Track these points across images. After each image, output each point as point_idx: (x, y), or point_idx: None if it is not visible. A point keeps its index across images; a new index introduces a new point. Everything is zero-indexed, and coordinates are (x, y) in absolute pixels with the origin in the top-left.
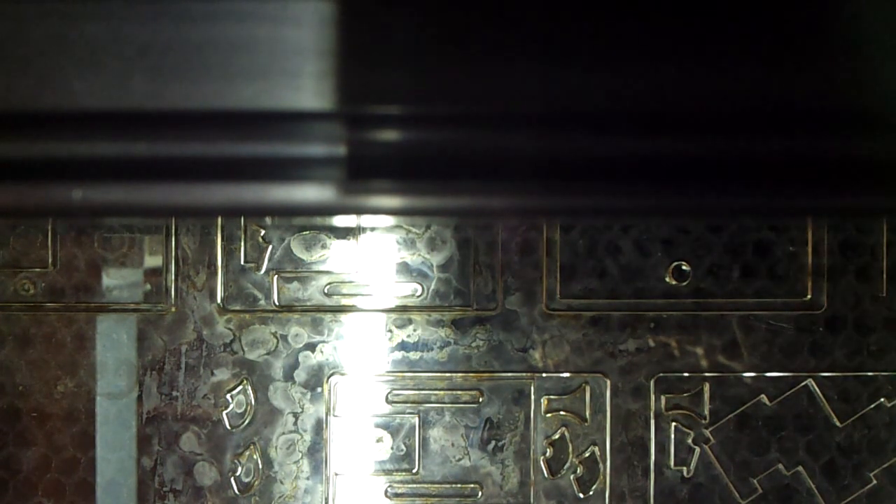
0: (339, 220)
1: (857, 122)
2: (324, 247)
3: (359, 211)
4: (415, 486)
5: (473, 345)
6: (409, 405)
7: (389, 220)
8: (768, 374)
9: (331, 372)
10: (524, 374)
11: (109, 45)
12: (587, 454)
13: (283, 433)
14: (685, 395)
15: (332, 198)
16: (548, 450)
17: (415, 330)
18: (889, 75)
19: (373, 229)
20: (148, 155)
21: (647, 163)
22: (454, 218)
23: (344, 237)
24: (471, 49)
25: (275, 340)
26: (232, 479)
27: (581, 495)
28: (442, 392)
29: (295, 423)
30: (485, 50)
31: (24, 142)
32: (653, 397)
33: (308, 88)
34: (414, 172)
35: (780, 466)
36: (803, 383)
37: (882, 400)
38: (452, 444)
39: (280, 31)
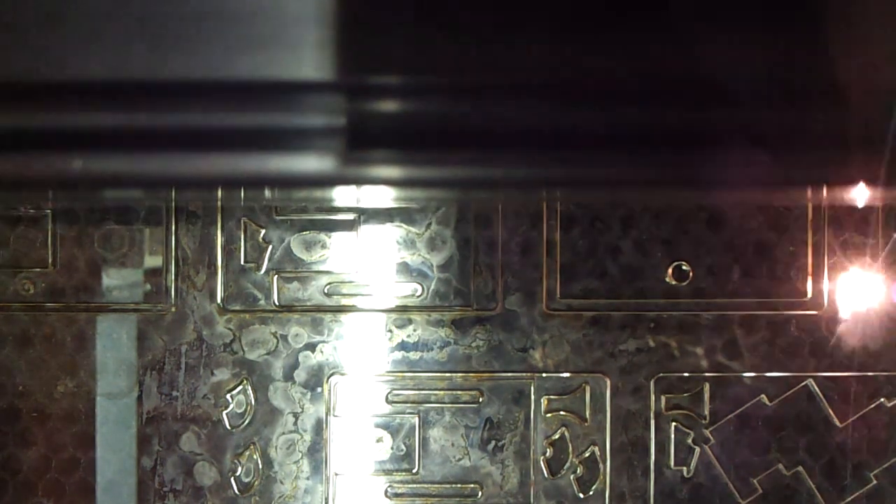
0: (340, 195)
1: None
2: (324, 247)
3: (359, 181)
4: (415, 486)
5: (473, 345)
6: (409, 405)
7: (390, 197)
8: (768, 374)
9: (331, 372)
10: (524, 374)
11: (109, 15)
12: (587, 454)
13: (283, 433)
14: (685, 395)
15: (332, 168)
16: (548, 450)
17: (415, 330)
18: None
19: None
20: (148, 125)
21: (649, 133)
22: (454, 189)
23: (345, 229)
24: (471, 20)
25: (275, 340)
26: (232, 479)
27: (581, 495)
28: (442, 392)
29: (295, 423)
30: (485, 21)
31: (24, 112)
32: (653, 397)
33: (308, 59)
34: (414, 143)
35: (780, 466)
36: (803, 383)
37: (882, 400)
38: (452, 444)
39: (280, 2)
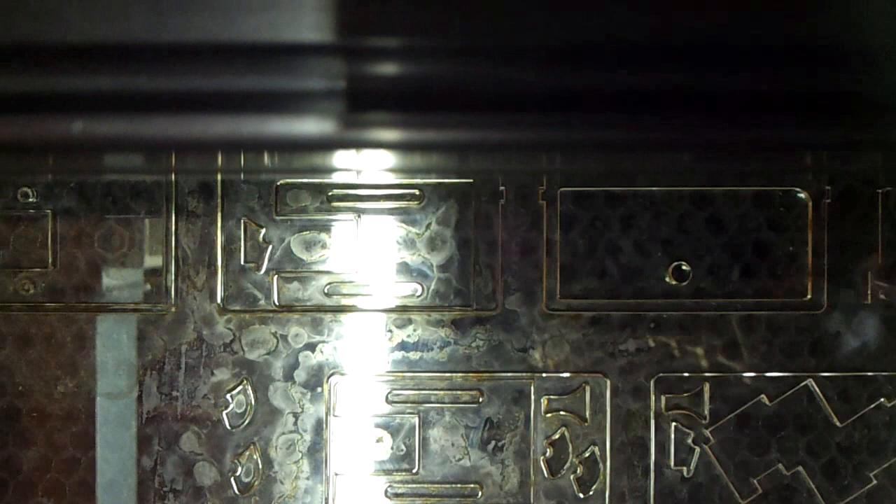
0: (339, 160)
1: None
2: (324, 247)
3: (358, 145)
4: (415, 486)
5: (473, 345)
6: (409, 405)
7: (389, 165)
8: (768, 374)
9: (331, 372)
10: (524, 374)
11: None
12: (587, 454)
13: (283, 433)
14: (685, 395)
15: (331, 131)
16: (548, 450)
17: (415, 330)
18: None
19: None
20: (148, 88)
21: (653, 96)
22: (453, 152)
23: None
24: None
25: (275, 340)
26: (232, 479)
27: (581, 495)
28: (442, 392)
29: (295, 423)
30: None
31: (25, 75)
32: (653, 397)
33: (308, 21)
34: (413, 105)
35: (780, 466)
36: (803, 383)
37: (882, 400)
38: (452, 444)
39: None
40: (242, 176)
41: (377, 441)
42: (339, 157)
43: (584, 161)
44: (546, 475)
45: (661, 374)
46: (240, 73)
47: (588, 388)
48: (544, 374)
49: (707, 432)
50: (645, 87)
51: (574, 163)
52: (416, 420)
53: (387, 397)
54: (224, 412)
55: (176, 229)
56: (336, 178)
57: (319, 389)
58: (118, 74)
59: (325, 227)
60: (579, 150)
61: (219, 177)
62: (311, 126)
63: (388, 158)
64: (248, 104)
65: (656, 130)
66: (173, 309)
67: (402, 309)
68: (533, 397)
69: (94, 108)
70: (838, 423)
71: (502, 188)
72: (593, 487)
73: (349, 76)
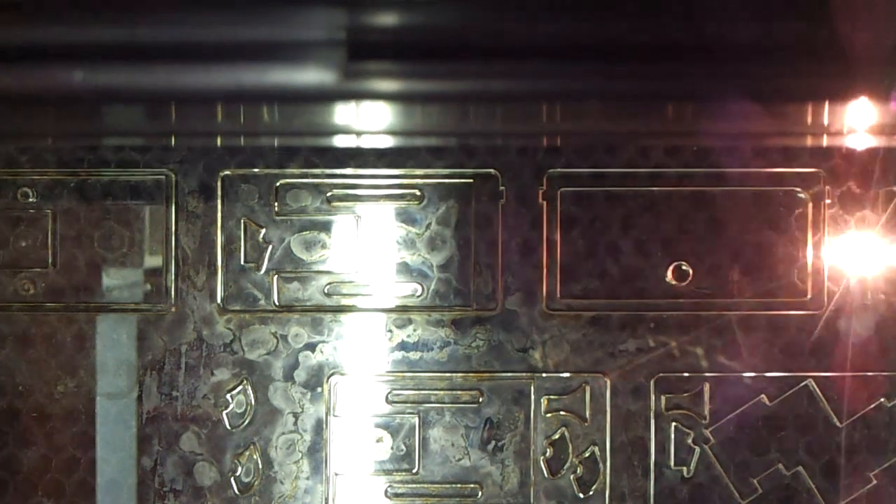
0: (340, 116)
1: None
2: (324, 247)
3: (358, 96)
4: (415, 486)
5: (473, 345)
6: (409, 405)
7: (388, 122)
8: (768, 374)
9: (331, 372)
10: (524, 374)
11: None
12: (587, 454)
13: (283, 433)
14: (685, 395)
15: (332, 81)
16: (548, 450)
17: (415, 330)
18: None
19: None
20: (149, 38)
21: (650, 45)
22: (453, 102)
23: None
24: None
25: (275, 340)
26: (232, 479)
27: (581, 495)
28: (442, 392)
29: (295, 423)
30: None
31: (25, 25)
32: (653, 397)
33: None
34: (413, 55)
35: (780, 466)
36: (803, 383)
37: (882, 400)
38: (452, 444)
39: None
40: (242, 141)
41: (377, 441)
42: (340, 113)
43: (581, 110)
44: (546, 475)
45: (661, 374)
46: (240, 23)
47: (588, 388)
48: (544, 374)
49: (707, 432)
50: (647, 37)
51: (572, 120)
52: (416, 420)
53: (387, 397)
54: (224, 412)
55: (176, 229)
56: (337, 141)
57: (319, 389)
58: (119, 24)
59: (325, 227)
60: (577, 99)
61: (219, 177)
62: (311, 76)
63: (388, 116)
64: (249, 54)
65: (652, 80)
66: (173, 309)
67: (402, 309)
68: (533, 397)
69: (94, 58)
70: (838, 423)
71: (502, 188)
72: (593, 487)
73: (349, 26)
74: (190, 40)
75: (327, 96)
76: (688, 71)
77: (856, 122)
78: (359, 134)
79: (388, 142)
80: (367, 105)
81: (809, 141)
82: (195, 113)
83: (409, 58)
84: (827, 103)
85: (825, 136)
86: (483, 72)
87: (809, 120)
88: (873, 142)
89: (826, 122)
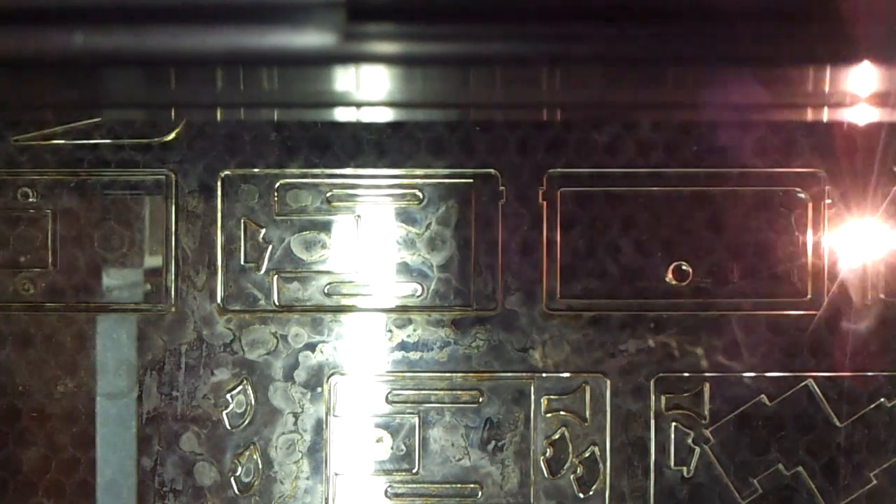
0: (340, 83)
1: None
2: (324, 247)
3: (358, 59)
4: (415, 486)
5: (473, 345)
6: (409, 405)
7: (390, 114)
8: (768, 374)
9: (331, 372)
10: (524, 374)
11: None
12: (587, 454)
13: (283, 433)
14: (685, 395)
15: (331, 43)
16: (548, 450)
17: (415, 330)
18: None
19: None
20: (148, 0)
21: (651, 7)
22: (453, 66)
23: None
24: None
25: (275, 340)
26: (232, 479)
27: (581, 495)
28: (442, 392)
29: (295, 423)
30: None
31: None
32: (653, 397)
33: None
34: (414, 17)
35: (780, 466)
36: (803, 383)
37: (882, 400)
38: (452, 444)
39: None
40: (243, 114)
41: (377, 441)
42: (339, 79)
43: (583, 87)
44: (546, 475)
45: (661, 374)
46: None
47: (588, 388)
48: (544, 374)
49: (707, 432)
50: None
51: (572, 89)
52: (416, 420)
53: (387, 397)
54: (224, 412)
55: (176, 229)
56: (338, 114)
57: (319, 389)
58: None
59: (325, 227)
60: (577, 62)
61: (219, 177)
62: (311, 38)
63: (388, 83)
64: (249, 16)
65: (653, 42)
66: (173, 309)
67: (402, 309)
68: (533, 397)
69: (94, 19)
70: (838, 423)
71: (502, 188)
72: (593, 487)
73: None
74: (189, 2)
75: (327, 59)
76: (690, 34)
77: (858, 89)
78: (359, 105)
79: (387, 114)
80: (367, 70)
81: (810, 114)
82: (195, 81)
83: (409, 19)
84: (829, 69)
85: (826, 108)
86: (483, 34)
87: (810, 87)
88: (875, 115)
89: (827, 89)
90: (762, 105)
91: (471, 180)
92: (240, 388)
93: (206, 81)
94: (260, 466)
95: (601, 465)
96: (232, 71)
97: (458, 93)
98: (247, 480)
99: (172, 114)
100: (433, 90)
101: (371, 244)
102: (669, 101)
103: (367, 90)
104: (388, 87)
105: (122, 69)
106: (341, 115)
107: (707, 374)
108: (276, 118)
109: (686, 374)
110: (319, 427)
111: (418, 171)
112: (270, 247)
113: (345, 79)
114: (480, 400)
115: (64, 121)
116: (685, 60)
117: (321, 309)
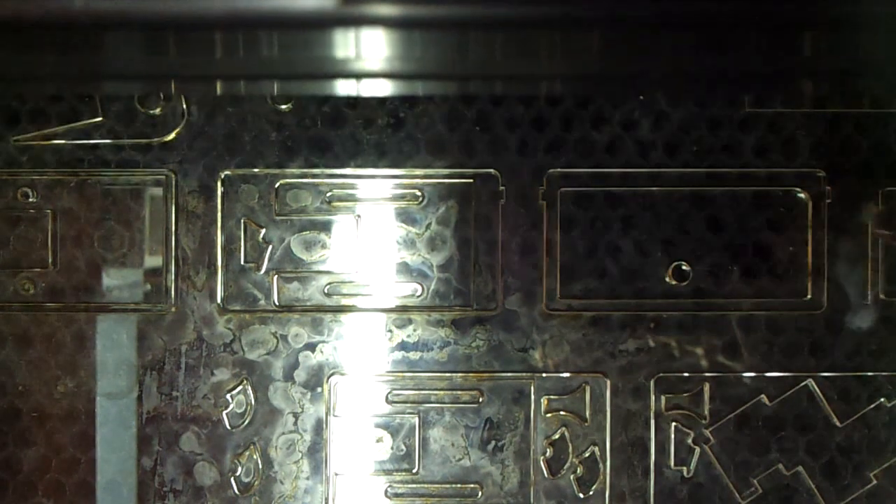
0: (339, 50)
1: None
2: (324, 247)
3: (357, 21)
4: (415, 486)
5: (473, 345)
6: (409, 405)
7: (388, 87)
8: (768, 374)
9: (331, 372)
10: (524, 374)
11: None
12: (587, 454)
13: (283, 433)
14: (685, 395)
15: (330, 5)
16: (548, 450)
17: (415, 330)
18: None
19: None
20: None
21: None
22: (453, 30)
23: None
24: None
25: (275, 340)
26: (232, 479)
27: (581, 495)
28: (442, 392)
29: (295, 423)
30: None
31: None
32: (653, 397)
33: None
34: None
35: (780, 466)
36: (803, 383)
37: (882, 400)
38: (452, 444)
39: None
40: (243, 87)
41: (377, 441)
42: (339, 45)
43: (582, 54)
44: (546, 475)
45: (661, 374)
46: None
47: (588, 388)
48: (544, 374)
49: (707, 432)
50: None
51: (571, 58)
52: (416, 420)
53: (387, 397)
54: (224, 412)
55: (176, 229)
56: (339, 88)
57: (319, 389)
58: None
59: (325, 227)
60: (577, 26)
61: (219, 177)
62: (310, 0)
63: (387, 50)
64: None
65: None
66: (173, 309)
67: (402, 309)
68: (533, 397)
69: None
70: (838, 423)
71: (502, 188)
72: (593, 487)
73: None
74: None
75: (326, 21)
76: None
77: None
78: (359, 77)
79: (387, 88)
80: (367, 35)
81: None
82: (195, 51)
83: None
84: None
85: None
86: None
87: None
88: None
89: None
90: (759, 74)
91: (471, 180)
92: (240, 388)
93: (206, 51)
94: (260, 466)
95: (601, 465)
96: (231, 39)
97: (457, 63)
98: (247, 480)
99: (172, 86)
100: (432, 60)
101: (371, 244)
102: (669, 69)
103: (367, 58)
104: (387, 54)
105: (122, 35)
106: (342, 87)
107: (707, 374)
108: (276, 91)
109: (686, 374)
110: (319, 427)
111: (418, 171)
112: (270, 247)
113: (344, 45)
114: (480, 400)
115: (64, 121)
116: (688, 26)
117: (321, 309)
